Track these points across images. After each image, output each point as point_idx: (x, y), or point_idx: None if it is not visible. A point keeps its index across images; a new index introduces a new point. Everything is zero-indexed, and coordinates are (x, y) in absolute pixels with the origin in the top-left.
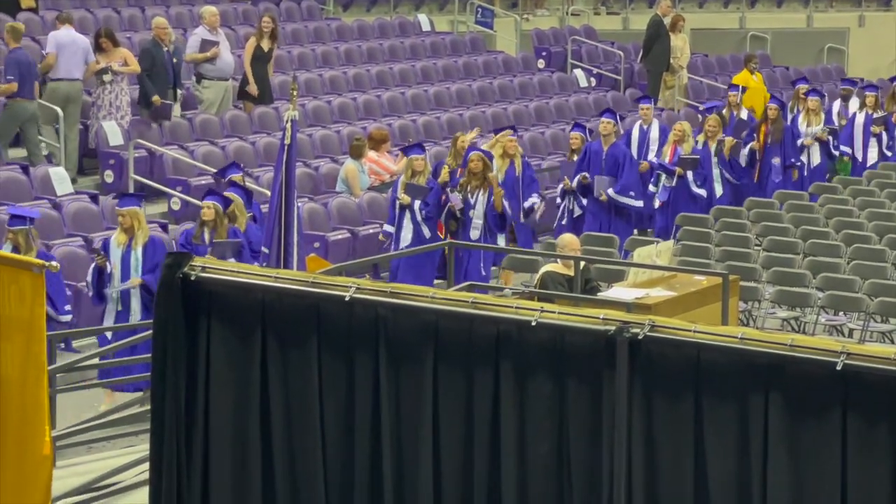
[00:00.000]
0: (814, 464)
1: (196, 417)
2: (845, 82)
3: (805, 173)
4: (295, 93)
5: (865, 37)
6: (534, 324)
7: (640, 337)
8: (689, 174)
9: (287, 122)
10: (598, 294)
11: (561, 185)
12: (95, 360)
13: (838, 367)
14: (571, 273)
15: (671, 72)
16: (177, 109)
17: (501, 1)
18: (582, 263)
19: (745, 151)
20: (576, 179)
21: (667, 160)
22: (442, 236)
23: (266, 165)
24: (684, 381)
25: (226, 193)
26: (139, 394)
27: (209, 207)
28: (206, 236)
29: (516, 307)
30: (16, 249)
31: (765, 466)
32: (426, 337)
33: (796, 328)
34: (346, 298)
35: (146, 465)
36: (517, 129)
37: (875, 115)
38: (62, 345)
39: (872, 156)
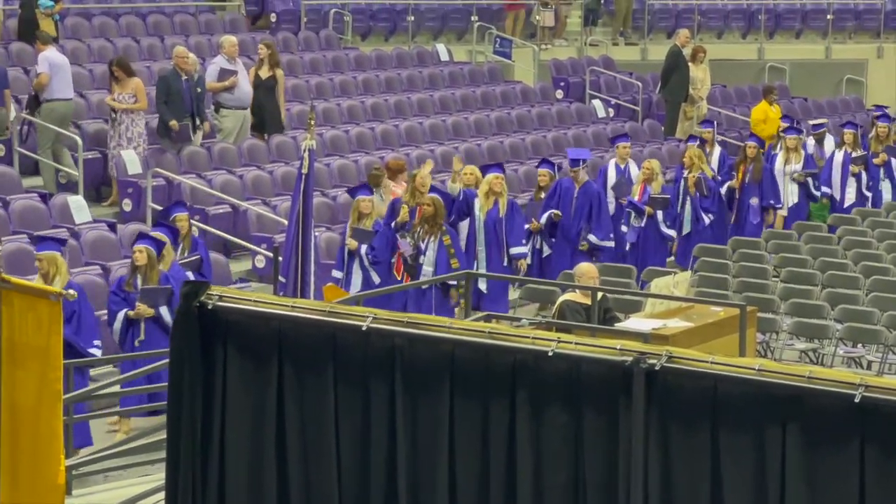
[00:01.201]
0: (831, 496)
1: (212, 446)
2: (817, 127)
3: (780, 212)
4: (312, 122)
5: (884, 68)
6: (550, 354)
7: (657, 368)
8: (659, 214)
9: (304, 151)
10: (616, 324)
11: (527, 227)
12: (112, 389)
13: (856, 400)
14: (589, 302)
15: (690, 102)
16: (198, 138)
17: (520, 31)
18: (600, 293)
19: (723, 190)
20: (545, 216)
21: (636, 199)
22: (399, 278)
23: (283, 194)
24: (701, 413)
25: (152, 233)
26: (155, 421)
27: (141, 251)
28: (139, 281)
29: (533, 337)
30: (44, 278)
31: (782, 498)
32: (442, 367)
33: (814, 360)
34: (363, 328)
35: (162, 494)
36: (523, 162)
37: (854, 154)
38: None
39: (850, 196)
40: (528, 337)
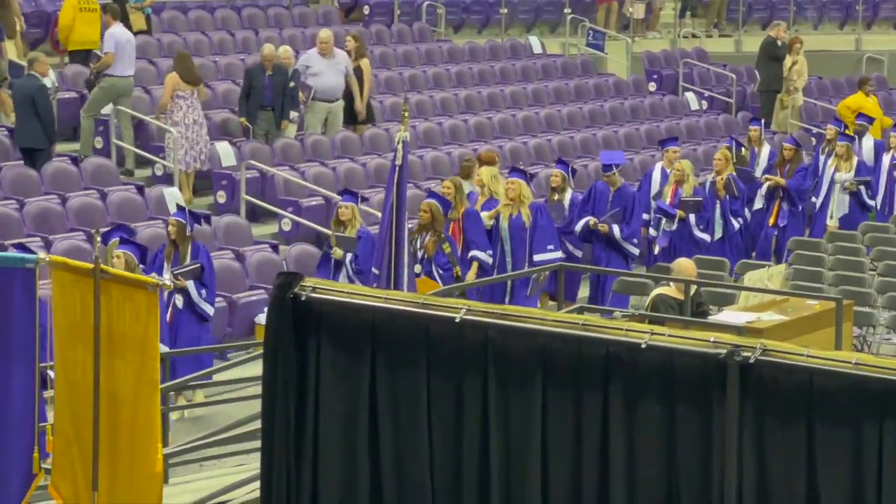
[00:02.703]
0: None
1: (305, 436)
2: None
3: (829, 222)
4: (406, 114)
5: None
6: (643, 346)
7: (751, 361)
8: (692, 217)
9: (398, 143)
10: (709, 318)
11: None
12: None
13: None
14: (682, 297)
15: (785, 94)
16: (292, 130)
17: (613, 23)
18: (693, 287)
19: (762, 191)
20: (580, 224)
21: (667, 202)
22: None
23: (377, 187)
24: (796, 407)
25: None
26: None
27: (118, 258)
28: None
29: (626, 329)
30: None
31: (879, 494)
32: (535, 359)
33: None
34: (457, 320)
35: (257, 484)
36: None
37: None
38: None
39: None
40: (621, 329)
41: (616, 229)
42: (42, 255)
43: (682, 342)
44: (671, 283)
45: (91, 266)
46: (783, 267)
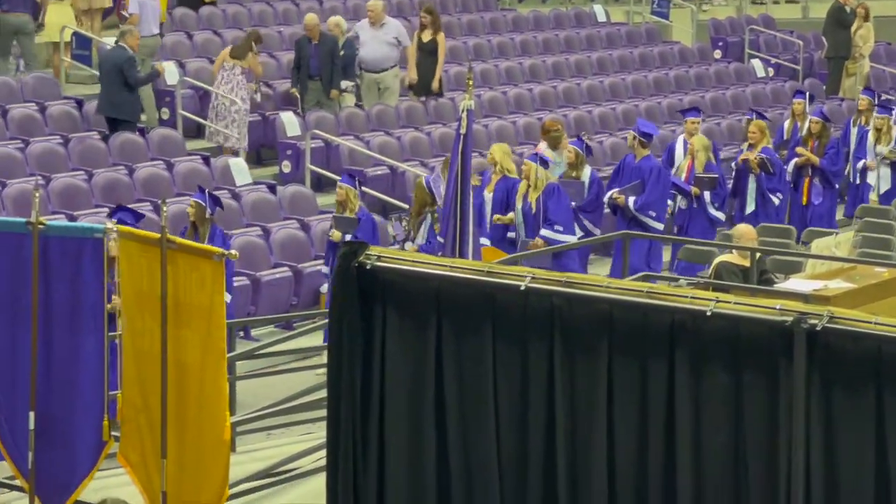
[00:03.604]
0: None
1: (371, 405)
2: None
3: (871, 196)
4: (471, 83)
5: None
6: (709, 314)
7: (818, 328)
8: (706, 195)
9: (463, 111)
10: (775, 285)
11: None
12: (275, 348)
13: None
14: (746, 264)
15: (853, 60)
16: (350, 99)
17: None
18: (758, 254)
19: (790, 167)
20: (606, 196)
21: (682, 178)
22: None
23: (441, 155)
24: (864, 374)
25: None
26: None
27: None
28: None
29: (691, 297)
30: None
31: None
32: (601, 326)
33: None
34: (522, 288)
35: (324, 452)
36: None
37: None
38: (241, 333)
39: None
40: (686, 297)
41: (631, 200)
42: (110, 225)
43: (748, 310)
44: (734, 251)
45: (158, 236)
46: (851, 234)
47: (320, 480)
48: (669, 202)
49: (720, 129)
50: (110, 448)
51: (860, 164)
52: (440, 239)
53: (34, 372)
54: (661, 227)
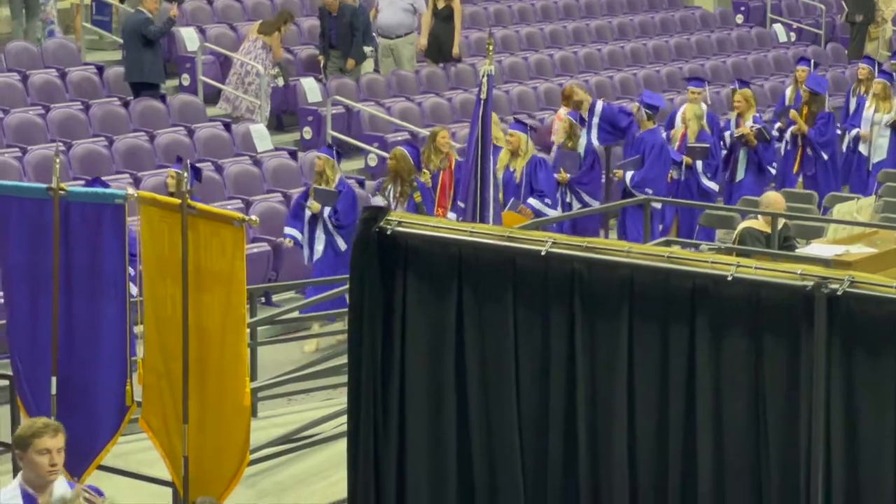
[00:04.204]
0: None
1: (392, 370)
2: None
3: (865, 168)
4: (491, 48)
5: None
6: (730, 278)
7: (839, 293)
8: (698, 164)
9: (483, 77)
10: (796, 250)
11: (555, 176)
12: (295, 314)
13: None
14: (770, 230)
15: (875, 24)
16: (369, 65)
17: None
18: (781, 220)
19: (787, 136)
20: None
21: (675, 147)
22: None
23: (462, 121)
24: (886, 339)
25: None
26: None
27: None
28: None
29: (712, 262)
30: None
31: None
32: (621, 291)
33: None
34: (542, 253)
35: (344, 418)
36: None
37: None
38: (262, 299)
39: None
40: (707, 261)
41: (628, 176)
42: (131, 190)
43: (768, 274)
44: (759, 217)
45: (178, 201)
46: (872, 199)
47: (341, 446)
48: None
49: (763, 91)
50: (133, 413)
51: (853, 133)
52: (460, 203)
53: (55, 337)
54: (658, 206)
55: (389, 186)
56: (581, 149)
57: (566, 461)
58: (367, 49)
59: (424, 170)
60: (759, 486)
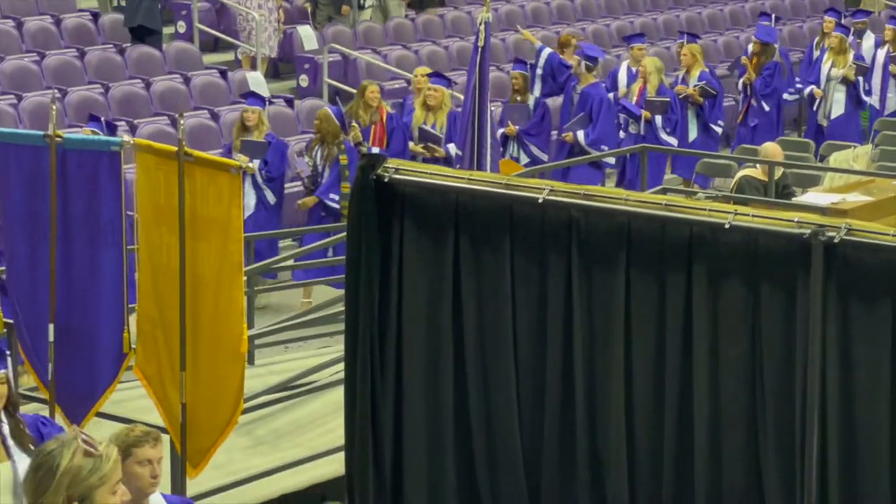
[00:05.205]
0: None
1: (389, 318)
2: (858, 14)
3: (821, 124)
4: None
5: None
6: (727, 226)
7: (835, 240)
8: (657, 119)
9: (480, 24)
10: (793, 199)
11: (502, 130)
12: (291, 262)
13: None
14: (768, 178)
15: None
16: (368, 13)
17: None
18: (780, 169)
19: (739, 86)
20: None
21: (634, 101)
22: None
23: (459, 69)
24: (882, 286)
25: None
26: (335, 293)
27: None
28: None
29: (709, 210)
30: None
31: None
32: (618, 239)
33: None
34: (539, 200)
35: (341, 365)
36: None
37: (895, 54)
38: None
39: (892, 104)
40: (704, 209)
41: (581, 135)
42: (127, 138)
43: (765, 222)
44: (757, 165)
45: (175, 149)
46: (869, 148)
47: (338, 393)
48: (622, 132)
49: (739, 43)
50: (130, 360)
51: (808, 90)
52: (457, 150)
53: (53, 285)
54: (612, 161)
55: (316, 148)
56: (530, 102)
57: (563, 408)
58: None
59: (353, 124)
60: (755, 434)
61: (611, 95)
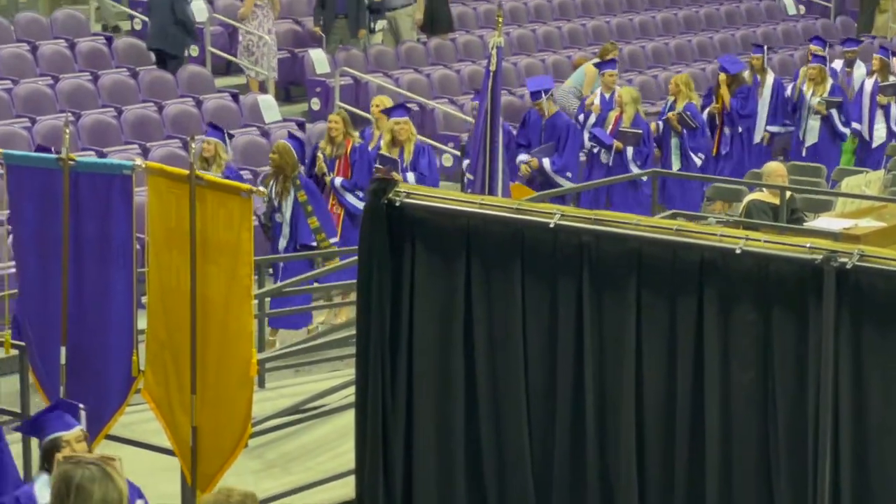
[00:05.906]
0: None
1: (400, 341)
2: (849, 42)
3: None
4: (500, 20)
5: None
6: (738, 252)
7: (848, 266)
8: (629, 151)
9: (492, 48)
10: (805, 224)
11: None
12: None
13: None
14: (777, 202)
15: None
16: (379, 37)
17: None
18: (788, 192)
19: (704, 117)
20: (518, 160)
21: (608, 130)
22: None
23: (470, 93)
24: (894, 313)
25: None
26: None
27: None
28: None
29: (720, 235)
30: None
31: None
32: (630, 264)
33: None
34: (551, 225)
35: (352, 389)
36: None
37: (883, 84)
38: (270, 270)
39: (880, 135)
40: (715, 234)
41: (546, 162)
42: (139, 161)
43: (777, 248)
44: (765, 189)
45: (187, 172)
46: (881, 173)
47: (348, 417)
48: (582, 158)
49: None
50: (139, 383)
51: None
52: (469, 175)
53: (65, 307)
54: (566, 183)
55: (271, 182)
56: None
57: (574, 432)
58: (381, 23)
59: (318, 155)
60: (767, 458)
61: (584, 118)
